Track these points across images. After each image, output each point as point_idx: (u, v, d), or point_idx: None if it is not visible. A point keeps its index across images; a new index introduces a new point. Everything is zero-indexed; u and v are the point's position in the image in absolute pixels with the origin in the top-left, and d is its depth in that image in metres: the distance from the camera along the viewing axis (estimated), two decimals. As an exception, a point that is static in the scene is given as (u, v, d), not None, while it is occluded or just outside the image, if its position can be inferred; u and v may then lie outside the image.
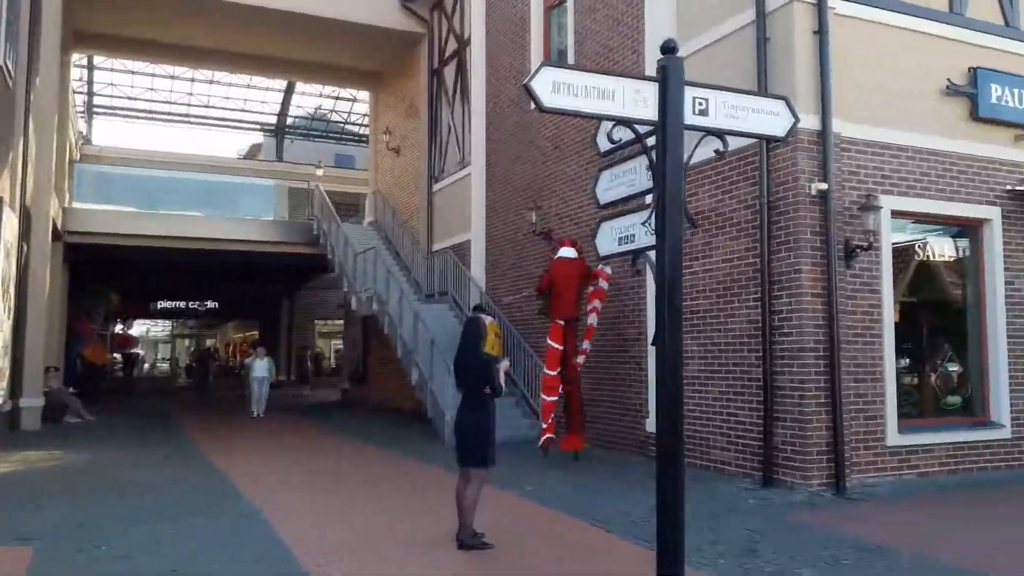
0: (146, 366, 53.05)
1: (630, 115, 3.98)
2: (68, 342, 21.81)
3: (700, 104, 4.13)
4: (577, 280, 11.02)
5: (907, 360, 9.36)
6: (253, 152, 42.15)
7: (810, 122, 8.53)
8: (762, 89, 8.72)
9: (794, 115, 4.38)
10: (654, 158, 4.05)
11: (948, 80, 9.46)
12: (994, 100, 9.67)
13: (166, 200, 25.11)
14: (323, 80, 25.58)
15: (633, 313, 11.25)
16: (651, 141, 4.13)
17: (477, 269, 15.80)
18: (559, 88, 3.81)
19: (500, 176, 15.34)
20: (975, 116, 9.59)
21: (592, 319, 11.14)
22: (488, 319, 13.34)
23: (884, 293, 8.84)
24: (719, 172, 9.57)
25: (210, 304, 35.94)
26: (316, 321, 35.71)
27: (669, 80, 4.00)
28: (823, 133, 8.54)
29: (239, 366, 20.30)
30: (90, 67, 30.63)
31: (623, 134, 4.13)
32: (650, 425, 10.55)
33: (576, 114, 3.86)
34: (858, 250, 8.61)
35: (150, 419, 17.86)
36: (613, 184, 4.57)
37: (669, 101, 3.99)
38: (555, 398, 10.95)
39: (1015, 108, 9.82)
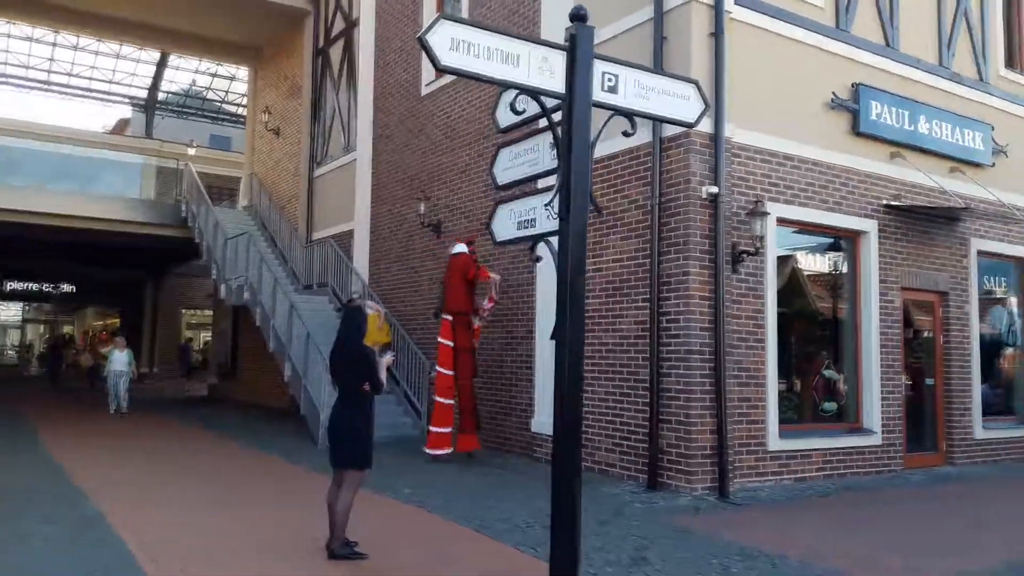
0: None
1: (535, 84, 3.61)
2: None
3: (610, 80, 3.82)
4: (459, 274, 10.58)
5: (788, 366, 9.46)
6: (120, 127, 39.53)
7: (703, 125, 8.42)
8: (660, 87, 8.59)
9: (704, 101, 4.14)
10: (559, 135, 3.69)
11: (833, 94, 9.64)
12: (874, 116, 9.95)
13: (18, 172, 22.95)
14: (199, 53, 24.09)
15: (522, 310, 10.95)
16: (557, 118, 3.78)
17: (360, 260, 15.14)
18: (458, 46, 3.39)
19: (388, 164, 14.75)
20: (856, 131, 9.84)
21: (475, 320, 10.68)
22: (371, 309, 12.76)
23: (768, 299, 8.89)
24: (611, 171, 9.39)
25: (66, 287, 33.27)
26: (184, 310, 33.73)
27: (578, 50, 3.66)
28: (715, 136, 8.48)
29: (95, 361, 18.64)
30: (-67, 22, 27.67)
31: (527, 107, 3.74)
32: (536, 425, 10.28)
33: (475, 76, 3.45)
34: (745, 255, 8.61)
35: None
36: (513, 164, 4.18)
37: (578, 73, 3.66)
38: (450, 400, 10.46)
39: (893, 126, 10.14)
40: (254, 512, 7.29)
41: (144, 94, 33.97)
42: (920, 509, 8.12)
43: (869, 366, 9.76)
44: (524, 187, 4.26)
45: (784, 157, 9.20)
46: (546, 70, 3.63)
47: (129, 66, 32.18)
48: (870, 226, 9.91)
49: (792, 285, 9.66)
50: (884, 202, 10.03)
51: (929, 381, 10.71)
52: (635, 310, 8.93)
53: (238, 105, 34.13)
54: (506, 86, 3.65)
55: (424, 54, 3.37)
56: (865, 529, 7.01)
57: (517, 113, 3.69)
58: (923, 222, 10.43)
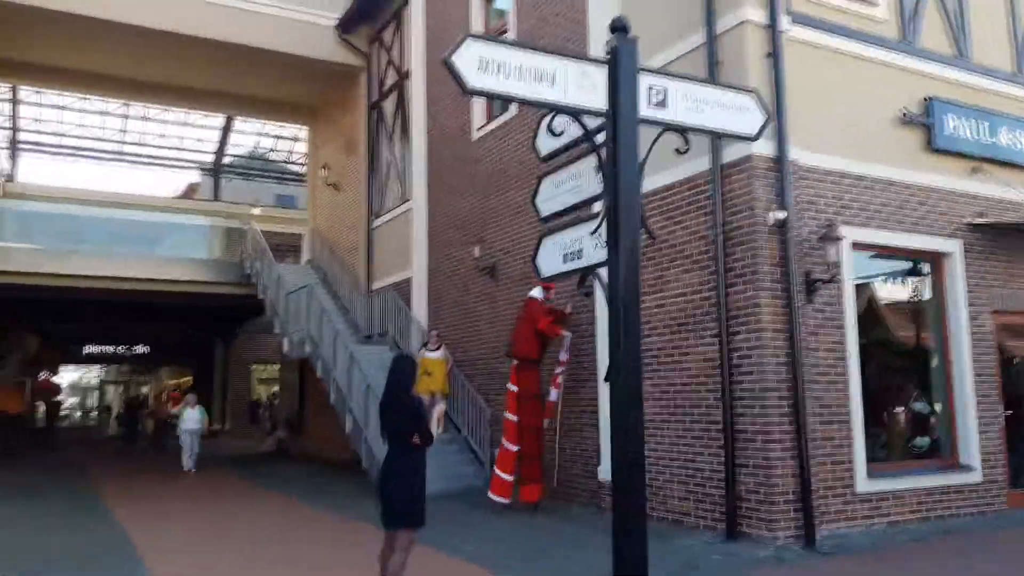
0: (78, 415, 50.28)
1: (574, 103, 3.30)
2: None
3: (657, 94, 3.48)
4: (529, 322, 10.28)
5: (874, 401, 8.79)
6: (190, 191, 40.84)
7: (765, 148, 8.02)
8: (716, 112, 8.23)
9: (765, 111, 3.75)
10: (603, 156, 3.35)
11: (904, 109, 9.10)
12: (949, 131, 9.35)
13: (94, 239, 23.75)
14: (259, 114, 24.72)
15: (585, 351, 10.53)
16: (601, 139, 3.46)
17: (419, 307, 14.97)
18: (487, 66, 3.11)
19: (442, 211, 14.64)
20: (931, 147, 9.24)
21: (552, 393, 10.38)
22: (427, 353, 12.54)
23: (848, 329, 8.30)
24: (668, 201, 9.00)
25: (140, 349, 34.16)
26: (253, 366, 34.18)
27: (621, 63, 3.34)
28: (779, 159, 8.03)
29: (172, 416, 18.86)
30: (14, 100, 29.21)
31: (567, 128, 3.43)
32: (603, 473, 9.76)
33: (507, 98, 3.17)
34: (819, 283, 8.07)
35: (62, 473, 16.37)
36: (557, 193, 3.87)
37: (621, 88, 3.33)
38: (515, 447, 10.12)
39: (970, 140, 9.51)
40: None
41: (211, 158, 35.13)
42: (1034, 554, 7.33)
43: (963, 397, 9.01)
44: (570, 217, 3.92)
45: (855, 178, 8.66)
46: (586, 86, 3.32)
47: (196, 132, 33.37)
48: (954, 246, 9.23)
49: (873, 313, 9.03)
50: (967, 220, 9.36)
51: (1031, 411, 9.84)
52: (703, 347, 8.44)
53: (301, 164, 34.92)
54: (542, 106, 3.35)
55: (453, 79, 3.09)
56: (975, 580, 6.31)
57: (555, 135, 3.38)
58: (1011, 239, 9.69)
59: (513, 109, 12.23)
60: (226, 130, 32.84)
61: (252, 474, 16.19)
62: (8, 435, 20.33)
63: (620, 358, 3.24)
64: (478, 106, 13.44)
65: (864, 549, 7.38)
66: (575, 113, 3.33)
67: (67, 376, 49.36)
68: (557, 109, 3.31)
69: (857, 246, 8.56)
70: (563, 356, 10.35)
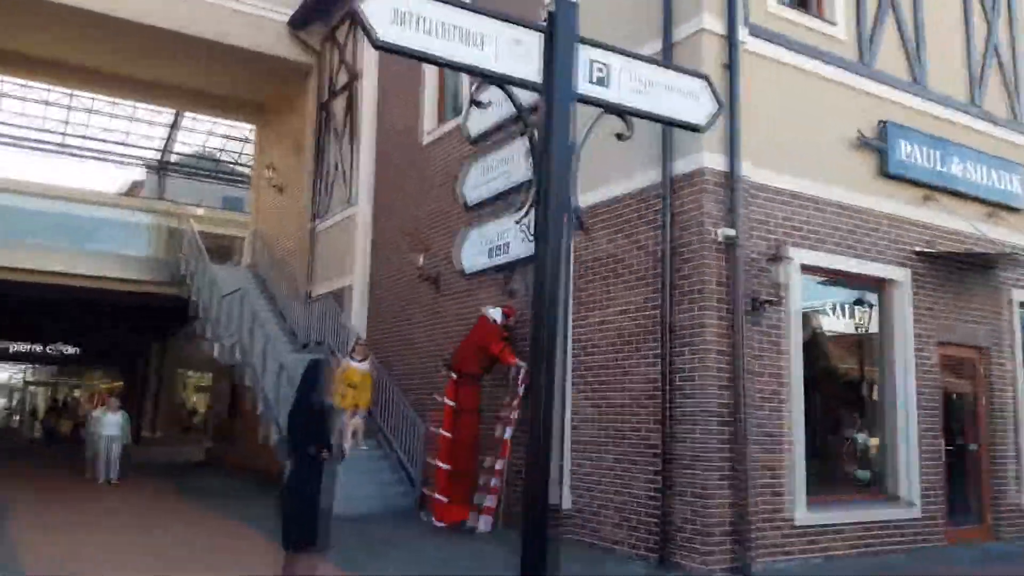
0: (6, 416, 47.94)
1: (504, 71, 2.90)
2: None
3: (599, 70, 3.10)
4: (477, 341, 9.83)
5: (815, 429, 8.53)
6: (134, 189, 39.52)
7: (717, 162, 7.75)
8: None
9: (718, 100, 3.40)
10: (535, 137, 2.95)
11: (859, 132, 8.94)
12: (903, 157, 9.22)
13: (28, 233, 22.62)
14: (206, 110, 23.93)
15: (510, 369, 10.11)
16: (534, 119, 3.05)
17: (358, 316, 14.40)
18: (404, 19, 2.69)
19: (386, 216, 14.13)
20: (885, 172, 9.10)
21: (506, 431, 9.53)
22: (352, 363, 11.83)
23: (793, 353, 8.03)
24: (617, 214, 8.68)
25: (70, 349, 32.69)
26: (188, 372, 32.99)
27: (559, 31, 2.94)
28: (731, 175, 7.77)
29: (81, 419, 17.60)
30: (-53, 85, 27.89)
31: (493, 98, 3.02)
32: (552, 497, 9.28)
33: (423, 57, 2.76)
34: (766, 305, 7.79)
35: None
36: (485, 179, 3.46)
37: (558, 59, 2.94)
38: (447, 465, 9.61)
39: (924, 167, 9.40)
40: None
41: (157, 156, 34.04)
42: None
43: (906, 429, 8.79)
44: (498, 206, 3.52)
45: (807, 199, 8.44)
46: (519, 54, 2.93)
47: (144, 128, 32.31)
48: (902, 275, 9.07)
49: (818, 339, 8.80)
50: (917, 249, 9.22)
51: (972, 446, 9.70)
52: (646, 366, 8.09)
53: (250, 166, 34.01)
54: (465, 70, 2.94)
55: (361, 30, 2.66)
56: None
57: (479, 106, 2.97)
58: (959, 271, 9.57)
59: (464, 114, 11.84)
60: (174, 127, 31.85)
61: (176, 484, 15.31)
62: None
63: (543, 366, 2.82)
64: (429, 108, 13.02)
65: (801, 584, 7.06)
66: (504, 83, 2.93)
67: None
68: (483, 76, 2.90)
69: (806, 269, 8.32)
70: (520, 389, 9.44)
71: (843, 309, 9.06)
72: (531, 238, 3.02)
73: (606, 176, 8.87)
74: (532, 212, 2.94)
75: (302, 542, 4.87)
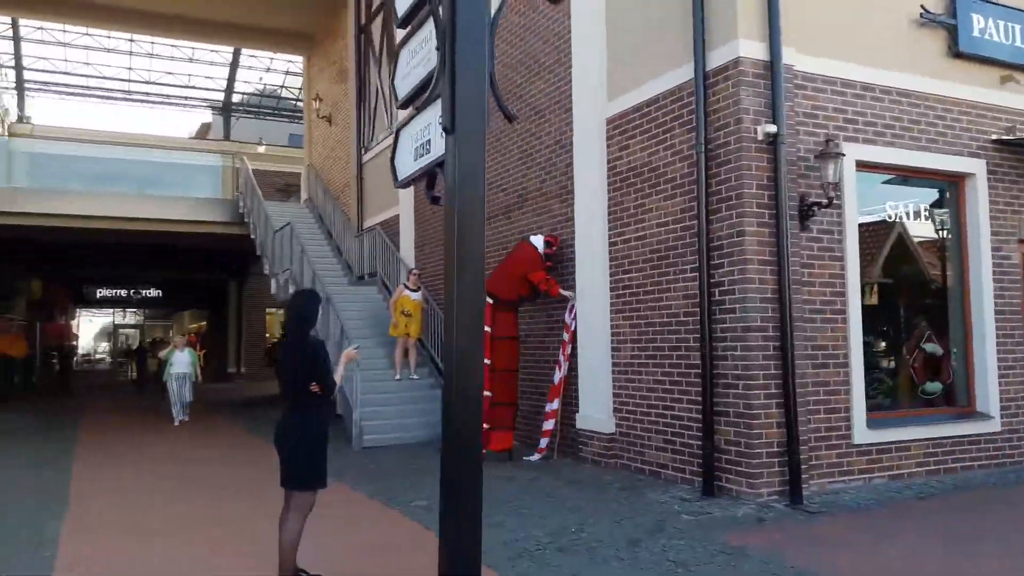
0: (105, 359, 50.51)
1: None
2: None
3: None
4: (520, 269, 9.38)
5: (877, 341, 7.83)
6: (203, 132, 40.12)
7: (755, 51, 6.95)
8: (697, 8, 7.16)
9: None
10: (440, 8, 2.43)
11: (922, 7, 7.90)
12: (976, 33, 8.15)
13: (106, 181, 23.19)
14: (257, 44, 23.67)
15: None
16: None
17: (407, 246, 14.16)
18: None
19: (428, 141, 13.67)
20: (955, 52, 8.07)
21: (562, 368, 9.22)
22: (406, 291, 11.76)
23: (849, 260, 7.30)
24: (651, 118, 7.99)
25: (152, 292, 33.86)
26: (267, 308, 33.78)
27: None
28: (772, 64, 6.95)
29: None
30: (16, 39, 28.51)
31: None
32: (581, 420, 8.97)
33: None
34: (815, 208, 7.06)
35: (51, 421, 15.82)
36: (411, 67, 2.95)
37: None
38: (487, 392, 9.35)
39: (1001, 43, 8.31)
40: (233, 533, 6.32)
41: (221, 97, 34.29)
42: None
43: (982, 337, 8.01)
44: (424, 98, 3.01)
45: (863, 87, 7.55)
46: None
47: (204, 69, 32.49)
48: (977, 167, 8.12)
49: (878, 243, 8.00)
50: (994, 137, 8.22)
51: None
52: (684, 282, 7.52)
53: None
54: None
55: None
56: (983, 543, 5.44)
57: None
58: (1045, 159, 8.53)
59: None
60: (234, 66, 31.91)
61: (246, 419, 15.60)
62: (9, 379, 20.01)
63: (457, 276, 2.37)
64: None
65: (859, 507, 6.53)
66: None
67: (96, 320, 49.66)
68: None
69: (862, 166, 7.50)
70: (571, 323, 9.17)
71: (907, 208, 8.20)
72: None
73: (637, 78, 8.18)
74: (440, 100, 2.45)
75: (305, 483, 4.66)
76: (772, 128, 6.85)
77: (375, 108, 16.01)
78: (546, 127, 9.89)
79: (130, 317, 45.56)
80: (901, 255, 8.13)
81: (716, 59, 7.12)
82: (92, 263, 28.04)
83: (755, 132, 6.89)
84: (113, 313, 44.10)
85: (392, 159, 3.15)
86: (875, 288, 7.77)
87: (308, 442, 4.71)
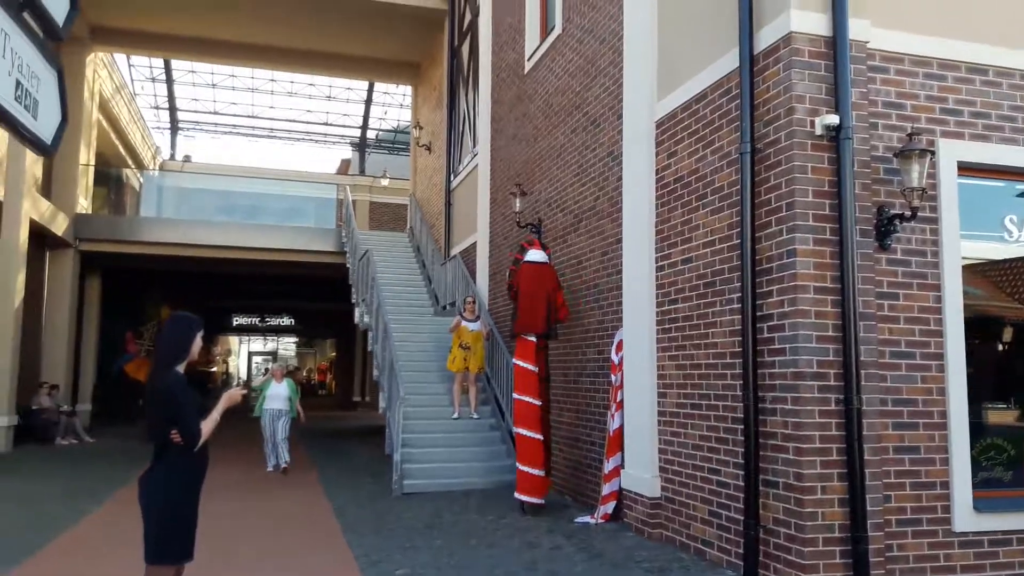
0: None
1: None
2: (106, 357, 21.03)
3: None
4: (546, 290, 8.36)
5: (986, 395, 6.01)
6: (344, 167, 41.51)
7: (813, 24, 5.53)
8: (738, -27, 5.82)
9: None
10: None
11: (1060, -33, 6.13)
12: None
13: (243, 214, 24.27)
14: (368, 76, 23.77)
15: (603, 322, 8.39)
16: None
17: (482, 275, 13.25)
18: None
19: (501, 161, 12.74)
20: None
21: (614, 422, 7.83)
22: (464, 322, 10.90)
23: (948, 289, 5.64)
24: (699, 117, 6.66)
25: (285, 321, 34.96)
26: (394, 338, 33.99)
27: None
28: (835, 41, 5.49)
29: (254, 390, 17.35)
30: (168, 81, 30.50)
31: None
32: (627, 480, 7.55)
33: None
34: (898, 222, 5.48)
35: (144, 451, 15.71)
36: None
37: None
38: (538, 435, 8.25)
39: None
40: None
41: (357, 133, 35.32)
42: None
43: None
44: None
45: (969, 69, 5.90)
46: None
47: (341, 107, 33.60)
48: None
49: (987, 269, 6.21)
50: None
51: None
52: (730, 315, 6.09)
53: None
54: None
55: None
56: None
57: None
58: None
59: (559, 23, 10.13)
60: (368, 103, 32.74)
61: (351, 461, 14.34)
62: (123, 403, 20.77)
63: None
64: (531, 23, 11.39)
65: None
66: None
67: (242, 348, 52.19)
68: None
69: (966, 169, 5.81)
70: (617, 362, 7.80)
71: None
72: None
73: (687, 70, 6.88)
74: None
75: (160, 556, 3.76)
76: (834, 119, 5.37)
77: (462, 132, 15.32)
78: (600, 137, 8.70)
79: (283, 345, 47.49)
80: (1017, 284, 6.28)
81: (766, 38, 5.74)
82: (229, 290, 29.24)
83: (811, 125, 5.43)
84: (251, 339, 46.11)
85: None
86: (983, 327, 5.98)
87: (171, 502, 3.80)
